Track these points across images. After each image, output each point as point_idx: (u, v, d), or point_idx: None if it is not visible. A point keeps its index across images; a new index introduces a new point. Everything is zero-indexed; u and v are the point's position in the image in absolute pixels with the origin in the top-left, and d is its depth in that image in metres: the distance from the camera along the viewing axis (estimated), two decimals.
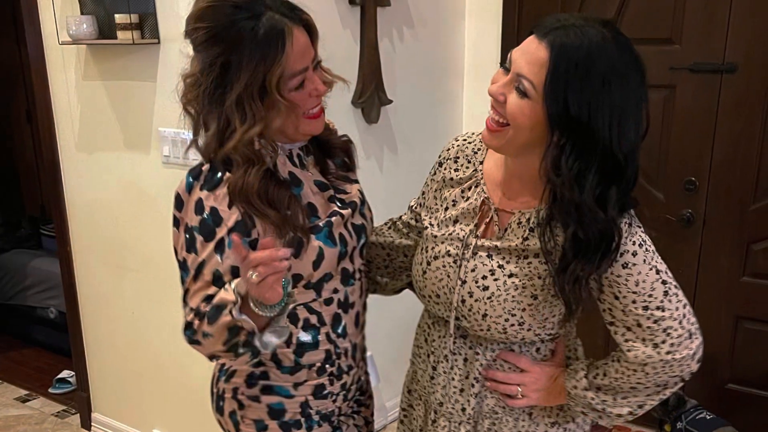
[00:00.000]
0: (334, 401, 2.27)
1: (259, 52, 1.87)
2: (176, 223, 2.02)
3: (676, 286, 1.96)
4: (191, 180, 1.98)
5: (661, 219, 4.17)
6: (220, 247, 1.93)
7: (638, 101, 1.82)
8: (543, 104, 1.81)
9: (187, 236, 1.96)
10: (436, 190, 2.22)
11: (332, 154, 2.25)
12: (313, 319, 2.16)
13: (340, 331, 2.21)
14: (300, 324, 2.15)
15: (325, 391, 2.23)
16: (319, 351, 2.18)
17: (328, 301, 2.17)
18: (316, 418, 2.24)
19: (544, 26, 1.83)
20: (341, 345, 2.22)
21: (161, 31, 3.39)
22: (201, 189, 1.95)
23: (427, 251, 2.16)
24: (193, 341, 1.95)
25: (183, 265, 1.98)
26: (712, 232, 4.12)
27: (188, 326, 1.94)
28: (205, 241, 1.93)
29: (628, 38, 1.84)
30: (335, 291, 2.17)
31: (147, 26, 3.42)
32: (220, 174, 1.95)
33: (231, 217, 1.94)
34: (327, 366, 2.21)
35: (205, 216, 1.93)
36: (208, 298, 1.92)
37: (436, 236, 2.14)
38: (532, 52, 1.82)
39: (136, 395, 4.31)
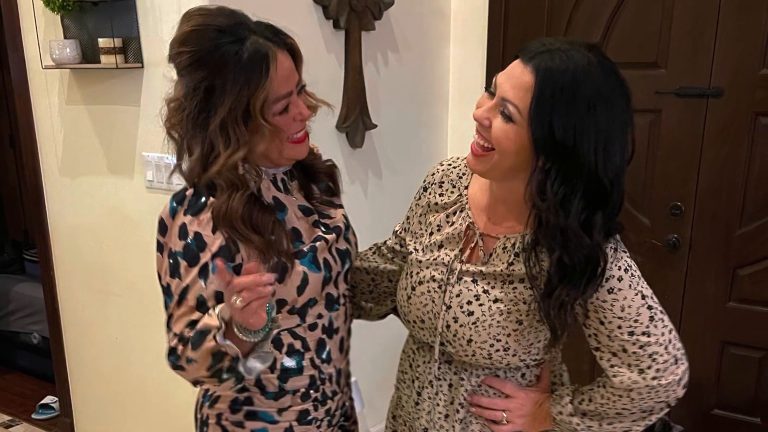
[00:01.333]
0: (319, 427, 2.26)
1: (243, 76, 1.87)
2: (160, 248, 2.02)
3: (661, 312, 1.97)
4: (175, 205, 1.98)
5: (647, 244, 4.18)
6: (203, 273, 1.93)
7: (623, 125, 1.83)
8: (528, 128, 1.81)
9: (171, 261, 1.95)
10: (420, 215, 2.23)
11: (316, 179, 2.26)
12: (298, 345, 2.16)
13: (324, 356, 2.21)
14: (284, 349, 2.15)
15: (310, 417, 2.23)
16: (304, 376, 2.18)
17: (313, 327, 2.17)
18: None
19: (529, 50, 1.84)
20: (326, 371, 2.22)
21: (145, 56, 3.39)
22: (185, 214, 1.95)
23: (411, 276, 2.16)
24: (176, 366, 1.95)
25: (167, 290, 1.98)
26: (698, 257, 4.12)
27: (172, 351, 1.94)
28: (188, 267, 1.93)
29: (613, 62, 1.85)
30: (320, 316, 2.18)
31: (130, 50, 3.42)
32: (204, 199, 1.95)
33: (215, 242, 1.94)
34: (311, 391, 2.21)
35: (188, 241, 1.93)
36: (192, 324, 1.91)
37: (420, 261, 2.15)
38: (517, 77, 1.83)
39: (120, 421, 4.28)
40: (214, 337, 1.83)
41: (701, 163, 3.97)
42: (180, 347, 1.91)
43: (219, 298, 1.92)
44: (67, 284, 4.25)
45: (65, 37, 3.62)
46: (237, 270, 1.95)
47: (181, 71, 1.95)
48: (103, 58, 3.40)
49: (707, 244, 4.07)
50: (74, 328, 4.31)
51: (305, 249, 2.10)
